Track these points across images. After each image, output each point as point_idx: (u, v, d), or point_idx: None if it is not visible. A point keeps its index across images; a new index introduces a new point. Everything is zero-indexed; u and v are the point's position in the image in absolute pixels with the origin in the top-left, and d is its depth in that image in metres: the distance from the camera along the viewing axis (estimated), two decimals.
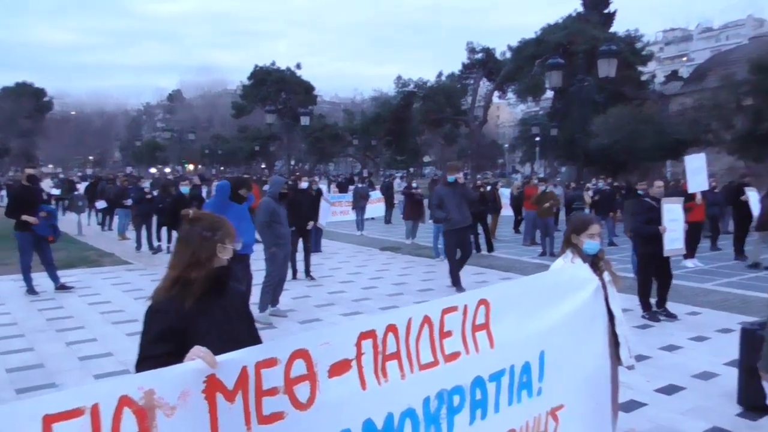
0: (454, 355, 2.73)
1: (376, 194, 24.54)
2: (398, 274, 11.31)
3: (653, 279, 7.90)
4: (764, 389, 3.45)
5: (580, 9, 39.67)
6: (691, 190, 11.96)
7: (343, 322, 7.51)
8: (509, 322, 2.98)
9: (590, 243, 3.65)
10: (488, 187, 15.07)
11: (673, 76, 55.91)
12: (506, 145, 72.82)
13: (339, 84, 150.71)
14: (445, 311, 2.72)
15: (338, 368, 2.32)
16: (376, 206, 23.66)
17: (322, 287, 10.00)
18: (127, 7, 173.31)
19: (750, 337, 4.79)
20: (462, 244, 9.77)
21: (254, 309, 7.77)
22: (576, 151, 29.49)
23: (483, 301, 2.89)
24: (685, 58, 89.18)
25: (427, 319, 2.64)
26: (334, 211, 23.32)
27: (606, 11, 41.44)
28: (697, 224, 11.73)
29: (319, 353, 2.26)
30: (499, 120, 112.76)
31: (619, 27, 42.38)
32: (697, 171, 12.00)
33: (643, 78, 34.88)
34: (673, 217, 7.78)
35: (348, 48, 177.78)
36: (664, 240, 7.64)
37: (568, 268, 3.57)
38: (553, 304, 3.29)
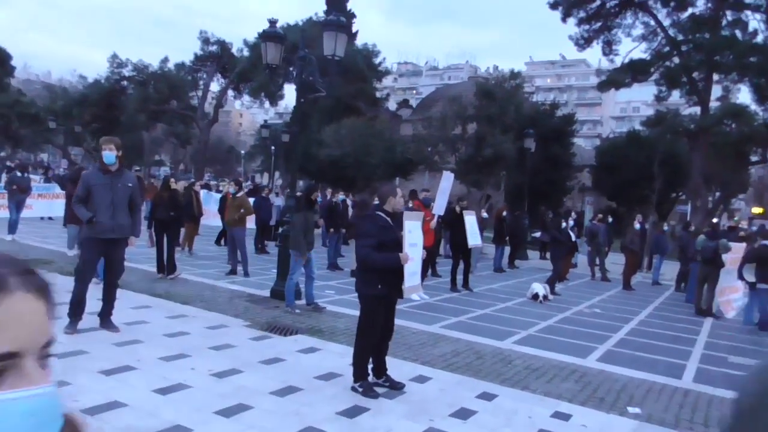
0: None
1: (52, 188, 19.27)
2: None
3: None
4: None
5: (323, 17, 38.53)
6: (435, 210, 10.60)
7: None
8: None
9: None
10: (182, 184, 11.32)
11: (404, 104, 58.84)
12: (243, 152, 69.26)
13: (64, 68, 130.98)
14: None
15: None
16: (52, 203, 18.45)
17: None
18: None
19: None
20: (110, 263, 6.29)
21: None
22: (310, 163, 27.77)
23: None
24: (414, 91, 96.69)
25: None
26: None
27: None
28: (427, 250, 10.01)
29: None
30: (241, 127, 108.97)
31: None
32: (444, 192, 10.66)
33: (378, 95, 34.80)
34: (412, 241, 5.33)
35: (81, 32, 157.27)
36: (405, 274, 5.15)
37: None
38: None
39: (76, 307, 6.00)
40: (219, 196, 15.71)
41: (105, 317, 6.25)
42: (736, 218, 45.79)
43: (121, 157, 6.15)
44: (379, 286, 5.09)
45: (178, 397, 4.58)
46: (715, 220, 18.53)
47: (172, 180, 10.60)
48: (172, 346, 5.93)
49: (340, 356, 6.12)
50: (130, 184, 6.20)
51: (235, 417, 4.29)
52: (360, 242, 5.21)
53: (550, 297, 11.46)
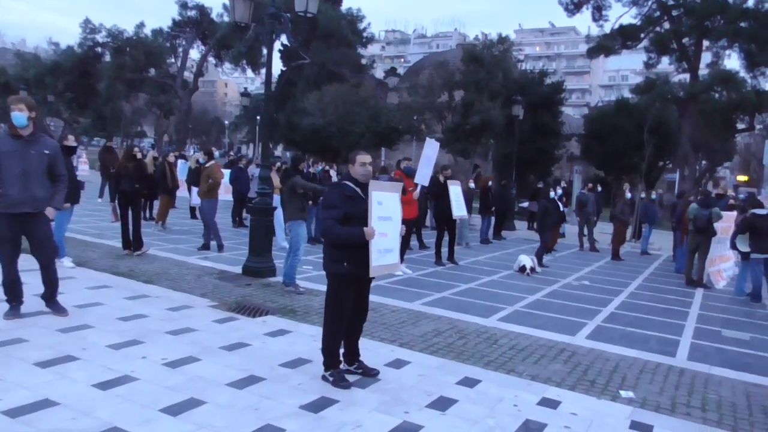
0: None
1: None
2: None
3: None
4: None
5: None
6: (418, 179, 9.76)
7: None
8: None
9: None
10: (151, 155, 10.67)
11: (392, 72, 57.78)
12: (227, 122, 68.04)
13: (40, 36, 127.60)
14: None
15: None
16: None
17: None
18: None
19: None
20: (33, 242, 5.55)
21: None
22: (294, 133, 26.95)
23: None
24: (402, 59, 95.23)
25: None
26: None
27: None
28: (409, 222, 9.44)
29: None
30: (227, 97, 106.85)
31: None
32: (428, 160, 9.90)
33: (363, 62, 33.78)
34: (384, 214, 4.77)
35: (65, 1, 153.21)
36: (371, 252, 4.59)
37: None
38: None
39: (10, 290, 5.44)
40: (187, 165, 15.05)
41: (49, 300, 5.70)
42: (722, 185, 45.68)
43: (34, 119, 5.46)
44: (345, 263, 4.58)
45: (122, 391, 4.07)
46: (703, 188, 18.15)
47: (136, 149, 9.95)
48: (125, 331, 5.41)
49: (311, 339, 5.64)
50: (47, 151, 5.45)
51: (184, 415, 3.80)
52: (323, 214, 4.68)
53: (538, 269, 11.06)
